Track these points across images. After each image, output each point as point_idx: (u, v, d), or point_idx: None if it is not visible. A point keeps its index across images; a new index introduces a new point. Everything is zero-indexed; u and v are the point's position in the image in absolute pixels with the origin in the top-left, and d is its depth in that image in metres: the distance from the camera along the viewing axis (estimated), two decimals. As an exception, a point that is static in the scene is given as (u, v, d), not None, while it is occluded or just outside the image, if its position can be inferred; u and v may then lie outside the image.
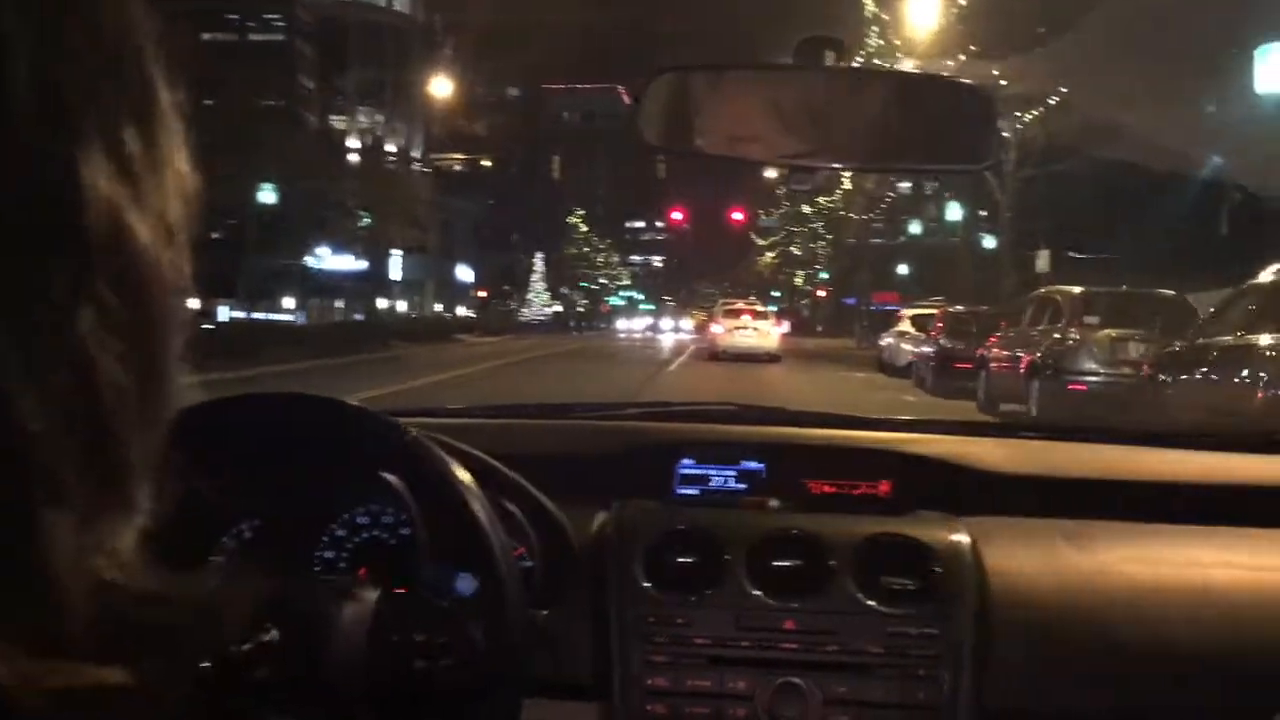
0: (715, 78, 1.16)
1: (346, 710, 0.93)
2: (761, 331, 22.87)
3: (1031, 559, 1.27)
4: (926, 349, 15.28)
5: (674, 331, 54.05)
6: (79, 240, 0.35)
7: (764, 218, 58.98)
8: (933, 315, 16.90)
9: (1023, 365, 10.66)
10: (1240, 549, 1.29)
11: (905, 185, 37.68)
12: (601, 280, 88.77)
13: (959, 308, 16.66)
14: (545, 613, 1.18)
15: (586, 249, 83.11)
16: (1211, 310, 8.13)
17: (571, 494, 1.29)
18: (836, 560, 1.25)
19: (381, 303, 44.10)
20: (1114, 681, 1.20)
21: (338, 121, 45.72)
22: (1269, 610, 1.21)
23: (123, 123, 0.37)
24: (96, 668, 0.36)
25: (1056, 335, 10.26)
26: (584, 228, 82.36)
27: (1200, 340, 7.52)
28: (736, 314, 23.83)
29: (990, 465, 1.40)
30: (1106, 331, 9.85)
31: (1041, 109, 20.10)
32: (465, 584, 1.15)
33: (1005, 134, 19.31)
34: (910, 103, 1.12)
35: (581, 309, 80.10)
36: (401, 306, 47.37)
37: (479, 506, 1.02)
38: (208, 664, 0.89)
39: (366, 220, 27.19)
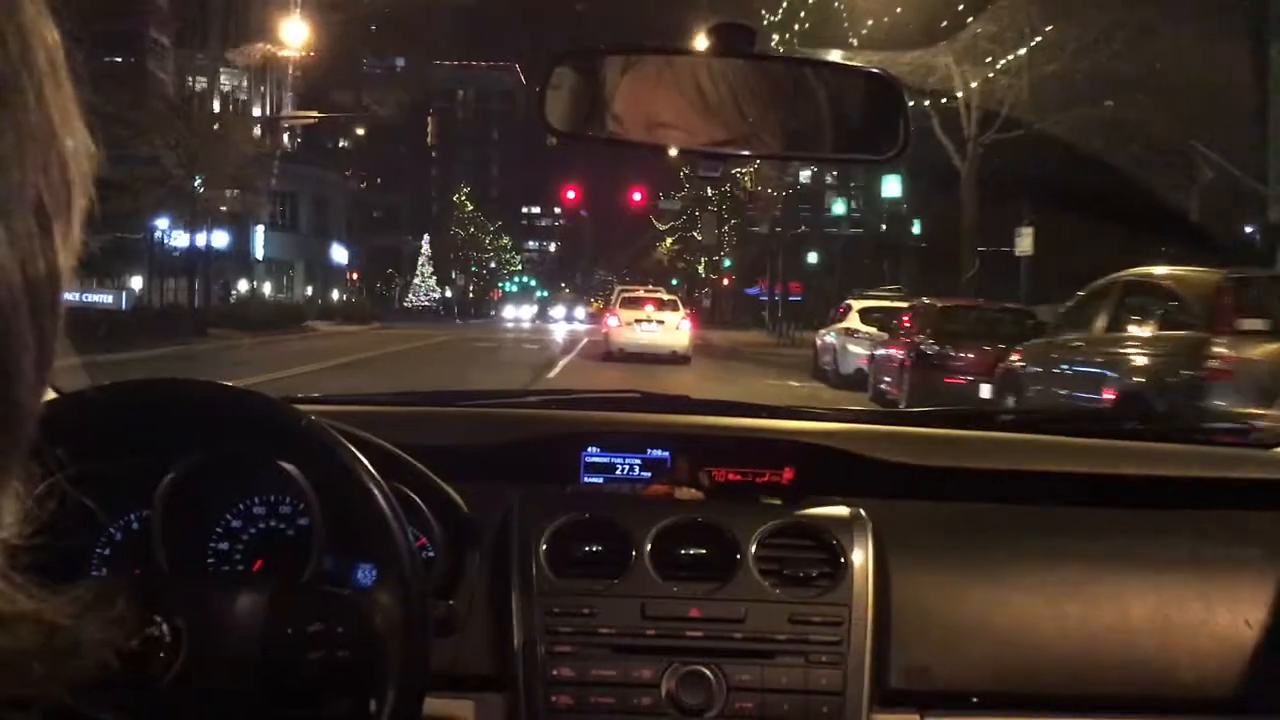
0: (623, 62, 1.19)
1: (240, 703, 0.94)
2: (668, 325, 19.65)
3: (931, 545, 1.36)
4: (893, 353, 11.75)
5: (566, 321, 53.17)
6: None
7: (665, 200, 57.65)
8: (897, 309, 13.50)
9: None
10: (1133, 533, 1.39)
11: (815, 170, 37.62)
12: (492, 265, 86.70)
13: (941, 300, 12.59)
14: (449, 603, 1.20)
15: (473, 230, 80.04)
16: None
17: (475, 483, 1.31)
18: (741, 548, 1.30)
19: (244, 285, 41.99)
20: (1011, 663, 1.28)
21: (197, 82, 42.31)
22: (1167, 594, 1.32)
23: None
24: None
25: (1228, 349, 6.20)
26: (469, 206, 79.33)
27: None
28: (638, 303, 20.57)
29: (890, 453, 1.48)
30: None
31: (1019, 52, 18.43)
32: (366, 575, 1.17)
33: (973, 83, 18.71)
34: (820, 91, 1.18)
35: (471, 295, 78.57)
36: (268, 289, 44.84)
37: (380, 496, 1.03)
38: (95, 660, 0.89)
39: (199, 184, 25.08)
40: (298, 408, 1.10)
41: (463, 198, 78.42)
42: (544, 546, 1.30)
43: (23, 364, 0.38)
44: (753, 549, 1.31)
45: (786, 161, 20.87)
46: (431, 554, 1.24)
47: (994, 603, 1.30)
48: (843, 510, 1.38)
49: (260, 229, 42.83)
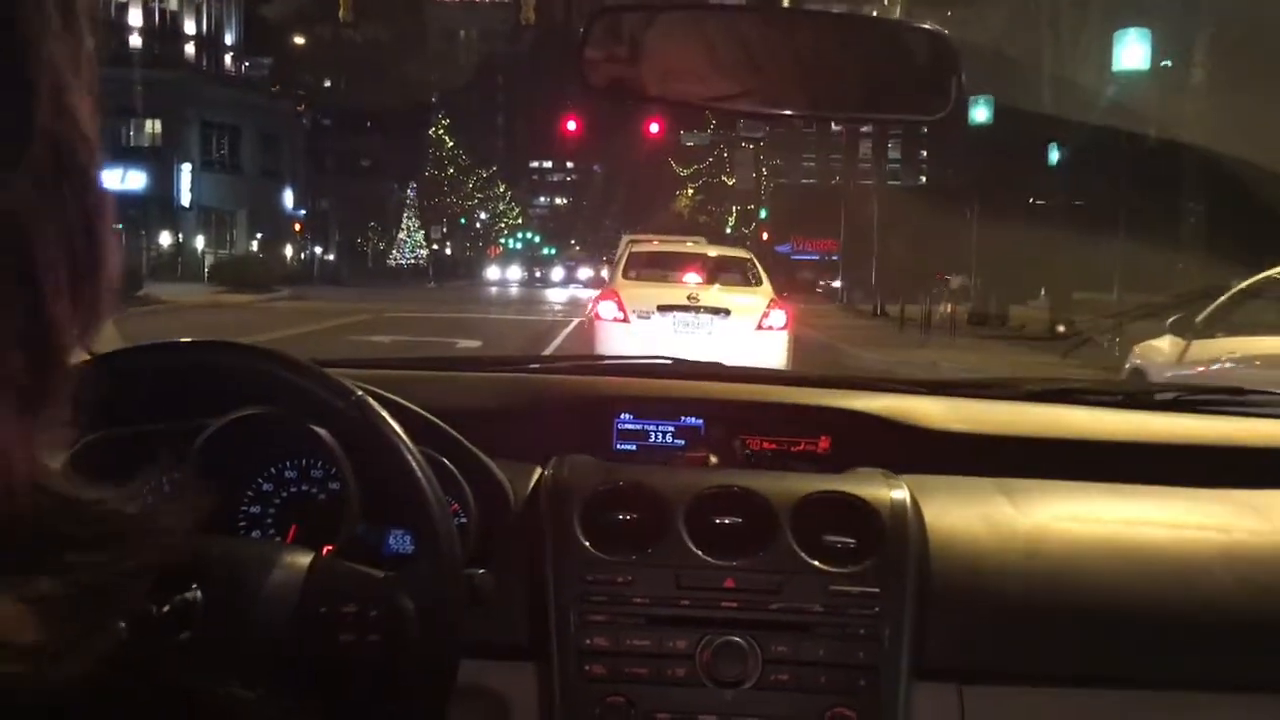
0: (661, 18, 1.32)
1: (269, 679, 1.08)
2: (738, 324, 10.14)
3: (970, 516, 1.49)
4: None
5: (563, 285, 50.38)
6: (23, 100, 0.41)
7: (689, 136, 51.12)
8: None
9: None
10: (1170, 505, 1.53)
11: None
12: (482, 216, 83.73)
13: None
14: (481, 571, 1.35)
15: (453, 171, 75.18)
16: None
17: (508, 449, 1.46)
18: (778, 517, 1.44)
19: (166, 237, 39.40)
20: (1052, 638, 1.42)
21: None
22: (1198, 564, 1.46)
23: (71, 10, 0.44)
24: (24, 580, 0.41)
25: None
26: (449, 142, 74.15)
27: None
28: (667, 270, 11.54)
29: (929, 422, 1.62)
30: None
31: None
32: (399, 541, 1.31)
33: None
34: (864, 48, 1.31)
35: (460, 251, 76.02)
36: (200, 242, 41.79)
37: (413, 461, 1.17)
38: (124, 624, 1.03)
39: None
40: (329, 370, 1.24)
41: (440, 132, 73.09)
42: (578, 514, 1.45)
43: (106, 238, 0.46)
44: (790, 519, 1.44)
45: (829, 120, 19.84)
46: (464, 520, 1.39)
47: (1034, 575, 1.44)
48: (881, 480, 1.52)
49: (187, 169, 40.53)
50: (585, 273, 56.60)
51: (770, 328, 10.18)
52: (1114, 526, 1.49)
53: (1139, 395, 1.84)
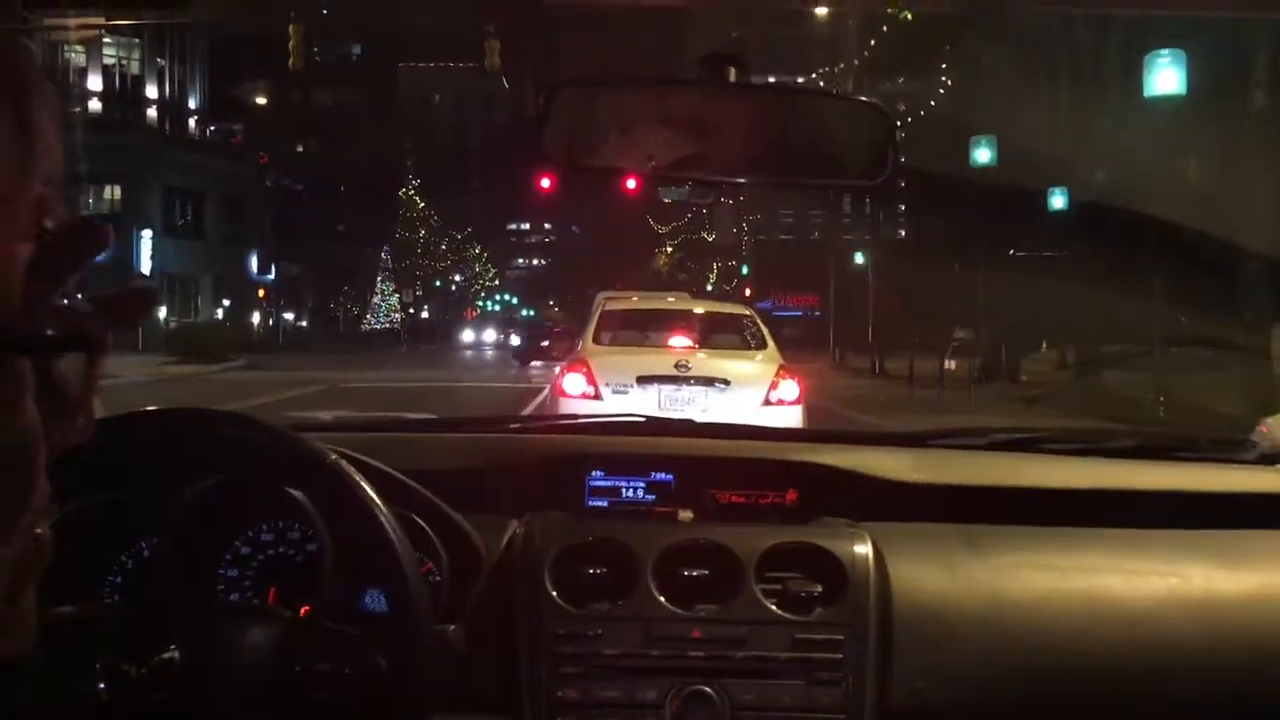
0: (615, 93, 1.43)
1: None
2: (741, 395, 8.34)
3: (932, 564, 1.58)
4: None
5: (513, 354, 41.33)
6: None
7: (666, 191, 51.20)
8: None
9: None
10: (1127, 552, 1.62)
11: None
12: (457, 278, 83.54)
13: None
14: (453, 627, 1.42)
15: (425, 233, 74.80)
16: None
17: (481, 507, 1.54)
18: (743, 569, 1.52)
19: None
20: (1013, 682, 1.50)
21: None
22: (1154, 609, 1.54)
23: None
24: None
25: None
26: (420, 202, 73.22)
27: None
28: (650, 332, 9.58)
29: (892, 474, 1.71)
30: None
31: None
32: (375, 600, 1.39)
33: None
34: (809, 119, 1.42)
35: (431, 315, 75.51)
36: (162, 311, 39.27)
37: (386, 523, 1.25)
38: (102, 685, 1.10)
39: None
40: (305, 435, 1.32)
41: (410, 193, 72.65)
42: (549, 569, 1.53)
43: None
44: (755, 570, 1.53)
45: (776, 188, 19.38)
46: (439, 578, 1.47)
47: (995, 620, 1.52)
48: (844, 530, 1.61)
49: (147, 235, 39.94)
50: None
51: (781, 402, 8.30)
52: (1073, 573, 1.58)
53: (1099, 444, 1.93)
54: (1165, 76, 17.21)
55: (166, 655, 1.14)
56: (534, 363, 30.89)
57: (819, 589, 1.53)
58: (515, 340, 38.28)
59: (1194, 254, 16.00)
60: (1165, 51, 17.21)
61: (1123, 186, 18.64)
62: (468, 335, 64.07)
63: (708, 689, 1.45)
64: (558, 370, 9.76)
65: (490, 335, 64.13)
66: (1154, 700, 1.50)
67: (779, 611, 1.50)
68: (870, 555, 1.56)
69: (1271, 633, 1.52)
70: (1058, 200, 22.34)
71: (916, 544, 1.61)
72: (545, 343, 33.08)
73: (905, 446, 1.88)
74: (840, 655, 1.48)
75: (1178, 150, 19.08)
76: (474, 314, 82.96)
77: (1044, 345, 26.71)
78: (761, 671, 1.47)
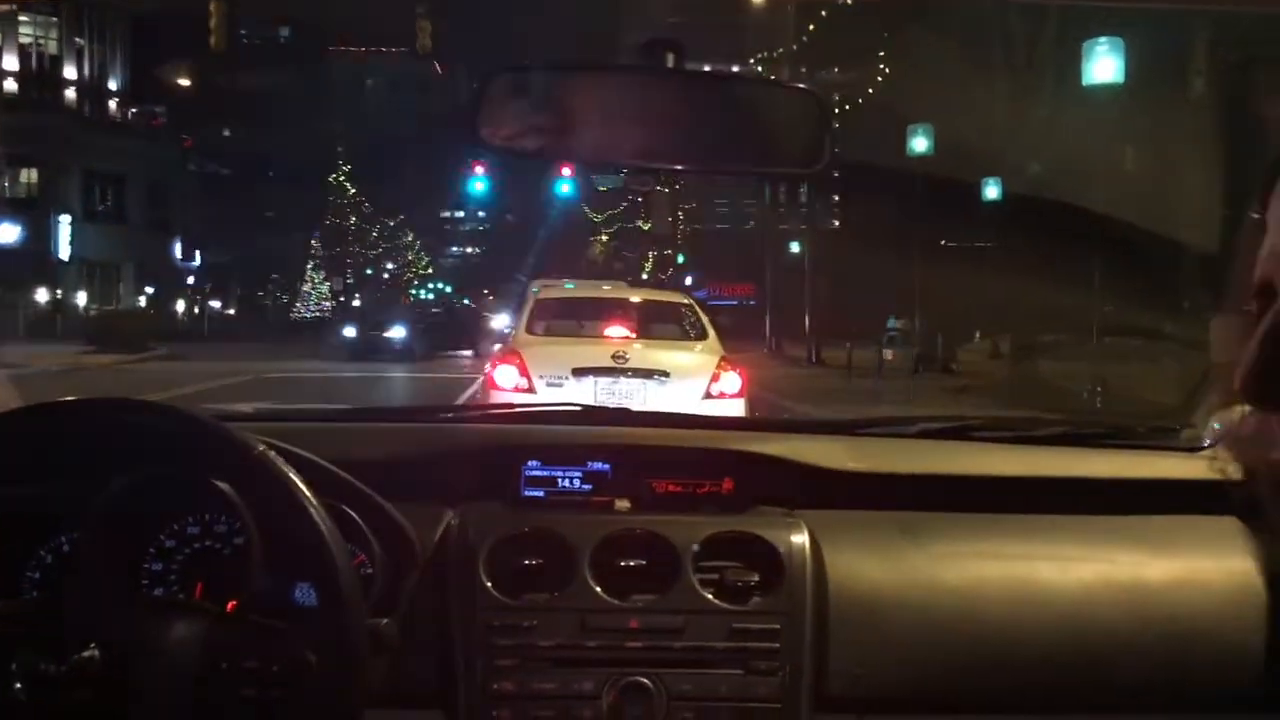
0: (555, 77, 1.42)
1: None
2: (682, 385, 8.17)
3: (868, 552, 1.60)
4: None
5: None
6: None
7: (602, 179, 49.39)
8: None
9: None
10: (1059, 538, 1.65)
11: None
12: (390, 266, 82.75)
13: None
14: (385, 621, 1.41)
15: (356, 220, 74.42)
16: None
17: (415, 498, 1.53)
18: (680, 558, 1.53)
19: (42, 293, 37.08)
20: (950, 669, 1.53)
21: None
22: (1085, 595, 1.57)
23: None
24: None
25: None
26: (350, 188, 73.09)
27: None
28: (586, 324, 9.37)
29: (828, 462, 1.72)
30: None
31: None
32: (304, 594, 1.37)
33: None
34: (746, 106, 1.42)
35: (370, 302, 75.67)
36: (82, 298, 39.82)
37: (315, 514, 1.23)
38: (19, 684, 1.07)
39: None
40: (231, 425, 1.30)
41: (341, 179, 72.09)
42: (484, 561, 1.52)
43: None
44: (692, 560, 1.53)
45: (713, 176, 19.29)
46: (370, 570, 1.45)
47: (931, 607, 1.55)
48: (781, 519, 1.62)
49: (65, 220, 38.59)
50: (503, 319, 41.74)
51: (723, 395, 8.11)
52: (1007, 560, 1.60)
53: (1030, 432, 1.96)
54: (1103, 65, 17.33)
55: (87, 653, 1.12)
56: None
57: (756, 578, 1.54)
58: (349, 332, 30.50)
59: (1129, 244, 16.13)
60: (1103, 39, 17.29)
61: (1059, 175, 18.87)
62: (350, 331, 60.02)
63: (645, 680, 1.46)
64: (493, 361, 9.42)
65: (399, 332, 61.26)
66: (1093, 686, 1.53)
67: (716, 601, 1.51)
68: (807, 544, 1.57)
69: (1196, 615, 1.55)
70: (991, 191, 22.58)
71: (853, 532, 1.63)
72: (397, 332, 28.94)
73: (838, 435, 1.90)
74: (777, 645, 1.49)
75: (1115, 139, 19.30)
76: (407, 301, 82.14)
77: (977, 335, 26.98)
78: (699, 661, 1.48)
